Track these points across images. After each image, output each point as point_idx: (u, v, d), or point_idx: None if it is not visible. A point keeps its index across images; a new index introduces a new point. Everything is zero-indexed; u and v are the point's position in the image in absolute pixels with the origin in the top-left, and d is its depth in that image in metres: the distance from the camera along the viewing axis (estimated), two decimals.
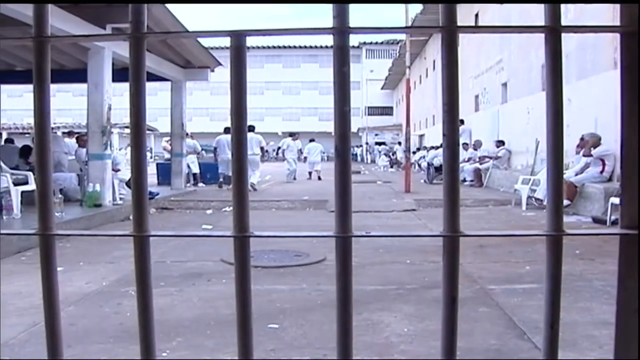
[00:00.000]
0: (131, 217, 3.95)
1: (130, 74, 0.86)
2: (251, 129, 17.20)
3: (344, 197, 0.85)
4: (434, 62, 34.70)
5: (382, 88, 57.98)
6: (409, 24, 21.84)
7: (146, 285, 0.88)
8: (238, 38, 0.84)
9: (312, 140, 25.18)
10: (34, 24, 0.89)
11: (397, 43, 44.21)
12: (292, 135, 23.36)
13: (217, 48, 46.37)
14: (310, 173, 24.25)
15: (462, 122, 22.60)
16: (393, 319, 4.76)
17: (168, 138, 19.17)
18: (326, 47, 63.92)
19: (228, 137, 18.24)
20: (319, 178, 23.44)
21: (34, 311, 5.09)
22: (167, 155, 20.60)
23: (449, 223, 0.88)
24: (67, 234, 1.16)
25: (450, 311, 0.87)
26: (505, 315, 4.80)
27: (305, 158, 24.55)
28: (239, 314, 0.88)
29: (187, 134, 18.53)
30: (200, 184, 19.55)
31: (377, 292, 5.59)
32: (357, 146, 58.58)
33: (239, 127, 0.86)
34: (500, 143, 18.88)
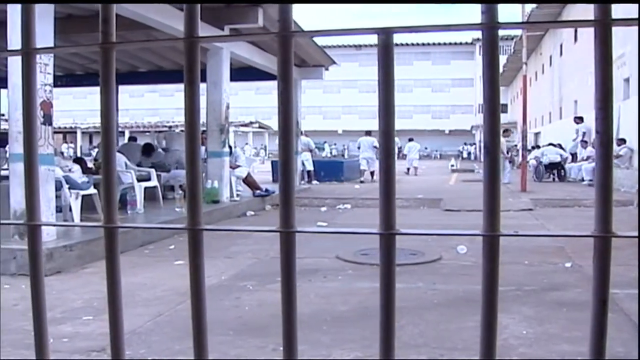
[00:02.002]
0: (247, 214, 4.05)
1: (278, 72, 0.87)
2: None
3: (493, 195, 0.84)
4: (551, 57, 33.70)
5: None
6: (525, 18, 21.30)
7: (291, 280, 0.89)
8: (386, 35, 0.84)
9: (410, 140, 28.17)
10: (184, 25, 0.91)
11: (512, 39, 43.19)
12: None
13: (330, 47, 46.78)
14: (408, 169, 27.02)
15: (581, 119, 21.86)
16: (511, 321, 4.67)
17: None
18: (439, 44, 63.24)
19: (368, 138, 22.08)
20: (416, 174, 26.22)
21: (158, 302, 5.29)
22: None
23: (600, 223, 0.86)
24: (216, 229, 1.19)
25: (600, 314, 0.85)
26: (630, 322, 4.61)
27: (405, 155, 27.87)
28: (382, 311, 0.88)
29: (301, 132, 18.76)
30: (314, 182, 19.70)
31: None
32: (470, 144, 57.75)
33: (387, 127, 0.86)
34: (622, 141, 18.13)
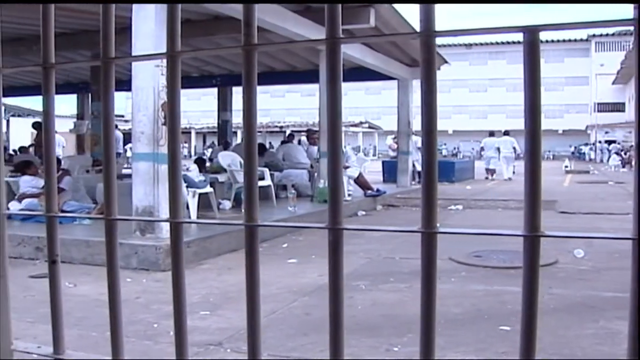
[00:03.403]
0: (359, 213, 4.06)
1: (422, 73, 0.87)
2: (506, 133, 23.17)
3: None
4: None
5: (613, 83, 54.61)
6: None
7: (432, 281, 0.89)
8: (532, 33, 0.82)
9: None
10: (326, 27, 0.93)
11: (631, 34, 41.45)
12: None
13: (440, 46, 46.28)
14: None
15: None
16: None
17: (394, 136, 19.42)
18: (552, 41, 61.36)
19: (492, 139, 23.17)
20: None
21: (272, 299, 5.37)
22: (392, 153, 20.86)
23: None
24: (355, 228, 1.20)
25: None
26: None
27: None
28: (524, 313, 0.87)
29: (412, 132, 18.61)
30: None
31: (614, 299, 5.29)
32: (584, 144, 55.71)
33: (534, 126, 0.84)
34: None
